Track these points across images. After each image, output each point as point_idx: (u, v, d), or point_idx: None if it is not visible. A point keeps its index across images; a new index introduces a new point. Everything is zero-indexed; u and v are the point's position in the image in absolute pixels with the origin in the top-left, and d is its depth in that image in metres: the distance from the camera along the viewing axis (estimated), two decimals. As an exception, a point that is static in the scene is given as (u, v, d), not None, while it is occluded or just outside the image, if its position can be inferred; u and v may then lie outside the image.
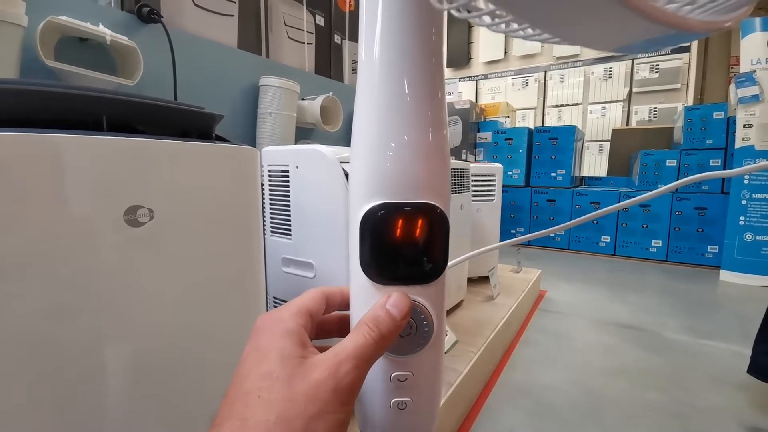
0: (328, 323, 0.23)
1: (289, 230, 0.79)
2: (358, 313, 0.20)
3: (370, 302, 0.20)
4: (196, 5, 0.95)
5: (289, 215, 0.79)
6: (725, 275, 2.25)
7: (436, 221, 0.19)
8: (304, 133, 1.32)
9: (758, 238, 2.19)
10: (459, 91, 4.61)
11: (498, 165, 1.60)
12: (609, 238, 2.73)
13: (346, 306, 0.23)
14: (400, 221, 0.19)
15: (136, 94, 0.45)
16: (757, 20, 2.29)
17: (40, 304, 0.34)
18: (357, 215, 0.19)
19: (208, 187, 0.46)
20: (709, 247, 2.45)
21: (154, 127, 0.45)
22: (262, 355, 0.18)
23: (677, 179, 2.56)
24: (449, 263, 0.21)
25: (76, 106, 0.39)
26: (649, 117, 3.69)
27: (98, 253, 0.37)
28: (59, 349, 0.35)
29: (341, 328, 0.23)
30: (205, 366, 0.47)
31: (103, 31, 0.70)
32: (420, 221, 0.19)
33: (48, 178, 0.34)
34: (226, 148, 0.47)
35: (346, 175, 0.71)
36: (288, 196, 0.78)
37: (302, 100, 1.21)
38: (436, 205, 0.19)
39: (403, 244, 0.19)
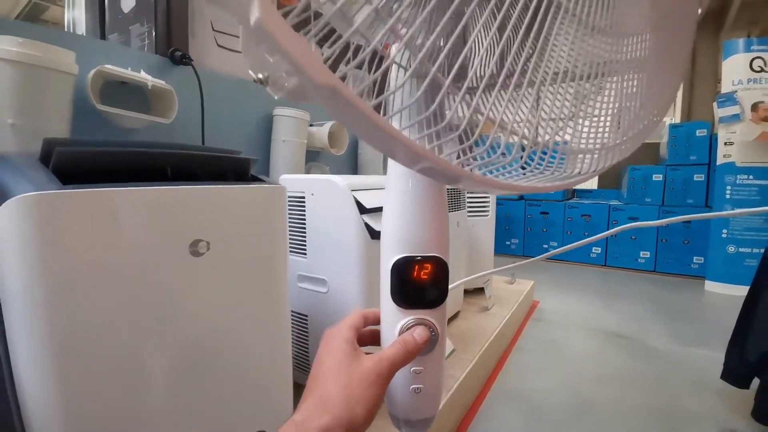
0: (364, 335, 0.33)
1: (305, 250, 0.89)
2: (387, 328, 0.30)
3: (396, 321, 0.29)
4: (219, 46, 1.05)
5: (304, 236, 0.88)
6: (710, 285, 2.35)
7: (440, 267, 0.29)
8: (312, 156, 1.42)
9: (740, 250, 2.30)
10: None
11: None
12: (600, 249, 2.84)
13: (376, 322, 0.32)
14: (416, 267, 0.29)
15: (192, 145, 0.55)
16: (740, 42, 2.41)
17: (123, 315, 0.43)
18: (388, 263, 0.29)
19: (248, 219, 0.56)
20: (694, 258, 2.56)
21: (206, 172, 0.55)
22: (333, 352, 0.27)
23: (663, 193, 2.68)
24: (450, 286, 0.31)
25: (149, 161, 0.48)
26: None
27: (169, 278, 0.46)
28: (133, 351, 0.44)
29: (374, 338, 0.33)
30: (240, 364, 0.56)
31: (145, 77, 0.80)
32: (429, 268, 0.29)
33: (136, 220, 0.43)
34: (263, 188, 0.57)
35: (357, 203, 0.81)
36: (304, 219, 0.88)
37: (311, 126, 1.32)
38: (440, 256, 0.29)
39: (418, 283, 0.29)
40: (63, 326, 0.39)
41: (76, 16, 1.30)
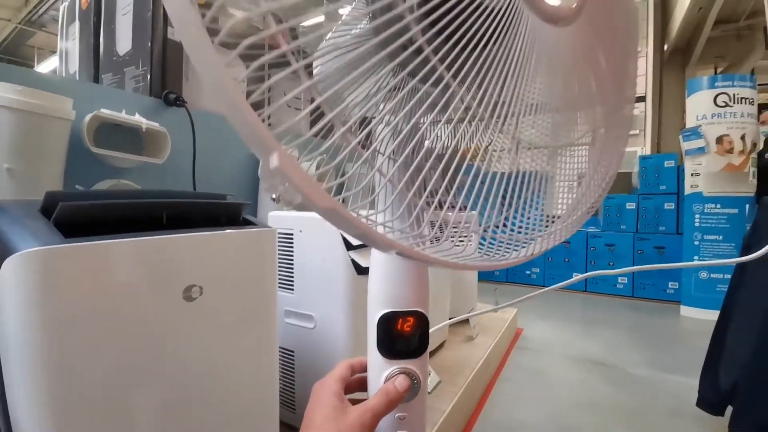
0: (352, 383, 0.35)
1: (292, 285, 0.91)
2: (373, 377, 0.33)
3: (381, 370, 0.32)
4: (210, 87, 1.10)
5: (292, 272, 0.90)
6: (685, 310, 2.43)
7: (421, 321, 0.32)
8: (299, 189, 1.46)
9: (712, 276, 2.40)
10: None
11: (473, 213, 1.76)
12: (579, 275, 2.91)
13: (362, 370, 0.35)
14: (400, 321, 0.32)
15: (185, 192, 0.58)
16: (704, 79, 2.57)
17: (118, 361, 0.44)
18: (375, 317, 0.32)
19: (240, 262, 0.58)
20: (669, 283, 2.65)
21: (200, 217, 0.57)
22: (321, 407, 0.30)
23: (636, 221, 2.80)
24: (431, 330, 0.34)
25: (146, 210, 0.51)
26: (613, 160, 4.01)
27: (163, 323, 0.48)
28: (127, 393, 0.46)
29: (362, 385, 0.35)
30: (228, 402, 0.57)
31: (139, 120, 0.83)
32: (411, 321, 0.32)
33: (133, 270, 0.45)
34: (253, 232, 0.60)
35: (344, 240, 0.84)
36: (292, 256, 0.90)
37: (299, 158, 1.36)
38: (421, 310, 0.32)
39: (401, 335, 0.32)
40: (61, 376, 0.40)
41: (69, 48, 1.33)
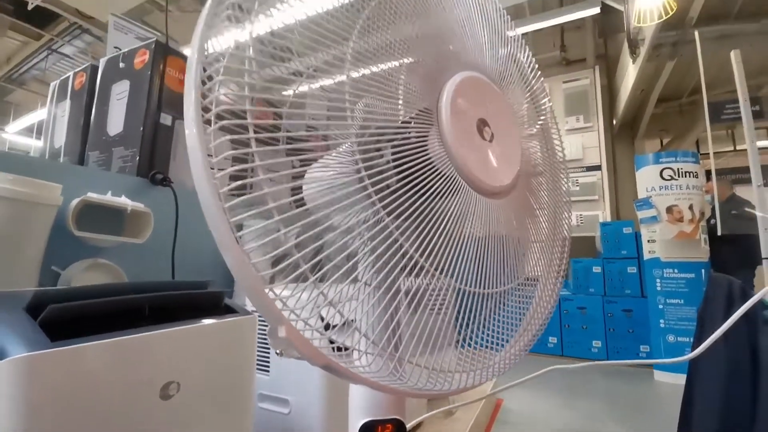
0: None
1: (268, 367, 0.89)
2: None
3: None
4: (196, 166, 1.15)
5: (268, 353, 0.89)
6: (658, 375, 2.47)
7: (399, 427, 0.34)
8: (277, 260, 1.47)
9: (679, 339, 2.48)
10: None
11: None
12: (555, 339, 2.94)
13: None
14: (379, 428, 0.34)
15: (166, 283, 0.60)
16: (650, 156, 2.83)
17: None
18: (356, 425, 0.34)
19: (219, 353, 0.59)
20: (641, 346, 2.71)
21: (183, 307, 0.59)
22: None
23: (603, 284, 2.91)
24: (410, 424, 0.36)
25: (130, 305, 0.52)
26: (577, 223, 4.25)
27: (139, 423, 0.47)
28: None
29: None
30: None
31: (125, 202, 0.86)
32: (390, 428, 0.34)
33: (114, 369, 0.46)
34: (233, 321, 0.61)
35: (321, 320, 0.85)
36: (269, 335, 0.90)
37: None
38: (399, 418, 0.35)
39: (381, 443, 0.34)
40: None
41: (57, 124, 1.37)
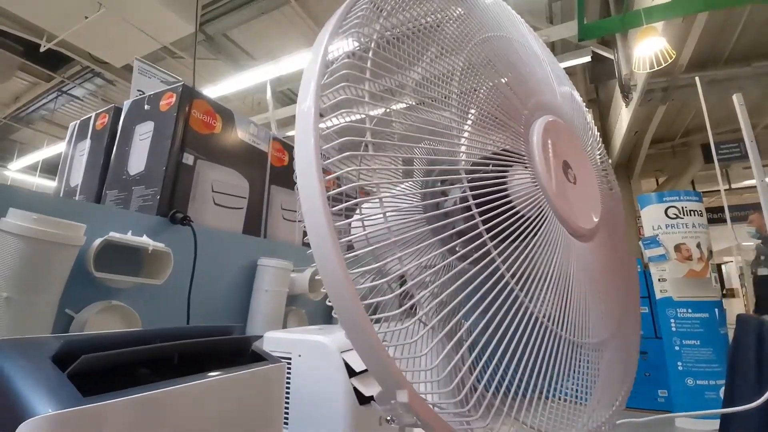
0: None
1: (287, 417, 0.84)
2: None
3: None
4: (216, 204, 1.14)
5: (288, 402, 0.84)
6: (680, 421, 2.34)
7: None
8: (290, 300, 1.43)
9: (698, 382, 2.37)
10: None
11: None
12: (569, 383, 2.82)
13: None
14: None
15: (196, 329, 0.57)
16: (653, 195, 2.85)
17: None
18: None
19: (248, 402, 0.55)
20: (659, 391, 2.60)
21: (210, 354, 0.56)
22: None
23: (617, 325, 2.84)
24: None
25: (160, 354, 0.50)
26: (583, 262, 4.22)
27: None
28: None
29: None
30: None
31: (147, 242, 0.84)
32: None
33: (143, 426, 0.42)
34: (264, 369, 0.58)
35: (346, 366, 0.81)
36: (289, 382, 0.85)
37: (292, 271, 1.36)
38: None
39: None
40: None
41: (75, 163, 1.38)
